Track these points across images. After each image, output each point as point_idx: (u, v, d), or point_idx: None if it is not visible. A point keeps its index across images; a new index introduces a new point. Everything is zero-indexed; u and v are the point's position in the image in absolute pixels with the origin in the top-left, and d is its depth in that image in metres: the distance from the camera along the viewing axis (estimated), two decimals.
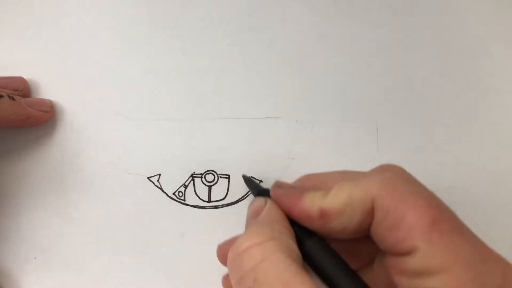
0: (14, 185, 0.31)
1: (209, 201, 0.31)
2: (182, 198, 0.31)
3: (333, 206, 0.20)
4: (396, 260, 0.19)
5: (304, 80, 0.33)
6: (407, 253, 0.18)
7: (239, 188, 0.31)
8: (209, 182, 0.31)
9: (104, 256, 0.30)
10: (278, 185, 0.24)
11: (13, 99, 0.29)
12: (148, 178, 0.31)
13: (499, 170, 0.32)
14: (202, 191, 0.31)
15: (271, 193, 0.23)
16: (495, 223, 0.31)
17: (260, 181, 0.31)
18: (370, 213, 0.20)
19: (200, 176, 0.31)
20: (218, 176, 0.31)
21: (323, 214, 0.21)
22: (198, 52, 0.33)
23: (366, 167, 0.32)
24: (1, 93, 0.28)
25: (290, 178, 0.31)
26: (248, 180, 0.29)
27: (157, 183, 0.31)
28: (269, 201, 0.23)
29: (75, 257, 0.30)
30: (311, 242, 0.21)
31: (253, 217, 0.23)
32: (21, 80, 0.32)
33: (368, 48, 0.33)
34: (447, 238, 0.17)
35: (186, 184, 0.31)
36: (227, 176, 0.31)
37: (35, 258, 0.30)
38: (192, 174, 0.31)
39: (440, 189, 0.31)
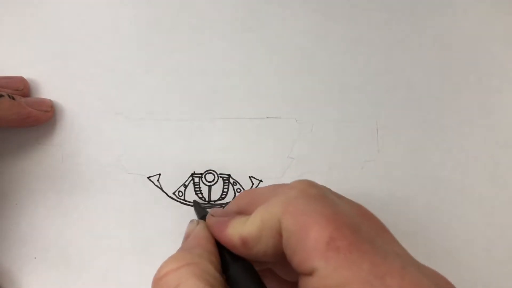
0: (14, 185, 0.31)
1: (209, 201, 0.31)
2: (182, 198, 0.31)
3: (250, 233, 0.20)
4: (302, 281, 0.19)
5: (304, 80, 0.33)
6: (309, 274, 0.18)
7: (239, 187, 0.31)
8: (209, 182, 0.31)
9: (104, 256, 0.30)
10: (212, 213, 0.24)
11: (13, 99, 0.29)
12: (148, 178, 0.31)
13: (499, 170, 0.32)
14: (202, 190, 0.31)
15: (206, 222, 0.24)
16: (495, 223, 0.31)
17: (260, 181, 0.31)
18: (281, 235, 0.20)
19: (200, 176, 0.31)
20: (218, 176, 0.31)
21: (243, 242, 0.21)
22: (198, 52, 0.33)
23: (366, 167, 0.32)
24: (1, 93, 0.28)
25: (290, 178, 0.31)
26: (196, 205, 0.30)
27: (157, 183, 0.31)
28: (199, 225, 0.24)
29: (75, 257, 0.30)
30: (234, 268, 0.21)
31: (183, 241, 0.24)
32: (21, 80, 0.32)
33: (368, 48, 0.33)
34: (343, 256, 0.17)
35: (186, 184, 0.31)
36: (227, 176, 0.31)
37: (35, 258, 0.30)
38: (192, 174, 0.31)
39: (440, 189, 0.31)
